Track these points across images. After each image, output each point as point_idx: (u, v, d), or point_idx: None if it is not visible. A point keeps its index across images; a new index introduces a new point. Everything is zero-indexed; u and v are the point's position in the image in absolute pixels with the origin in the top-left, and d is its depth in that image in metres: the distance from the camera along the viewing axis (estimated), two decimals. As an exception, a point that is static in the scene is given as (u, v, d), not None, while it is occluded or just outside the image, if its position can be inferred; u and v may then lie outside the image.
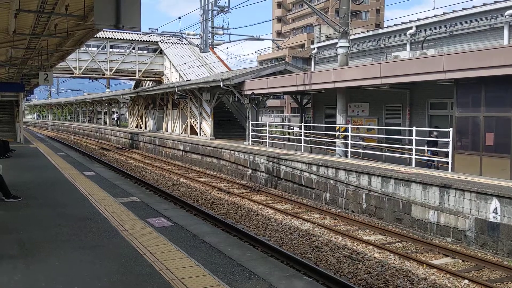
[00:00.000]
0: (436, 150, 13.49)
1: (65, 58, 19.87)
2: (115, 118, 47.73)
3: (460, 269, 8.01)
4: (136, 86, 40.91)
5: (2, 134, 21.32)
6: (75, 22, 10.55)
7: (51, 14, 9.05)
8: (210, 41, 21.43)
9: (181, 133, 28.70)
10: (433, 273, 7.68)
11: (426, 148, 13.56)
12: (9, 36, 11.35)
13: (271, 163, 16.02)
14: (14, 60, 16.36)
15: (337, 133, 16.28)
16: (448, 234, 9.54)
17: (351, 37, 17.82)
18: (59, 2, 8.31)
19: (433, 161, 13.39)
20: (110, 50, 32.68)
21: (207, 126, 24.99)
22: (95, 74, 32.81)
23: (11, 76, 22.86)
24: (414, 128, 13.00)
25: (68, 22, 10.14)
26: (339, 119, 16.26)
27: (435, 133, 13.54)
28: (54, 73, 25.10)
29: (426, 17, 17.15)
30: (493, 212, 8.72)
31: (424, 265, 8.04)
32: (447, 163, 12.07)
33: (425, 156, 13.72)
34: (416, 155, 12.90)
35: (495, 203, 8.71)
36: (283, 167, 15.28)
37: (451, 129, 11.99)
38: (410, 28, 17.49)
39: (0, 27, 10.68)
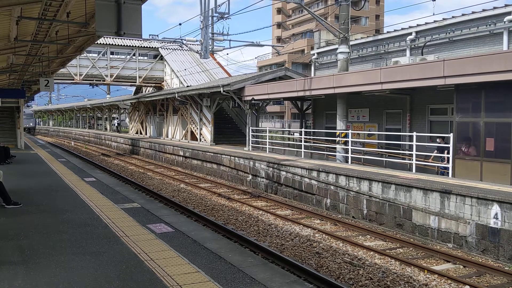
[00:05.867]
0: (444, 157, 13.39)
1: (66, 65, 19.92)
2: (116, 124, 47.80)
3: (461, 275, 8.00)
4: (136, 92, 41.01)
5: (2, 140, 21.33)
6: (76, 29, 10.59)
7: (53, 21, 9.08)
8: (210, 47, 21.49)
9: (181, 139, 28.73)
10: (434, 279, 7.66)
11: (433, 154, 13.48)
12: (11, 43, 11.39)
13: (271, 169, 16.01)
14: (15, 67, 16.39)
15: (338, 139, 16.30)
16: (449, 240, 9.53)
17: (351, 43, 17.87)
18: (61, 9, 8.33)
19: (445, 168, 13.19)
20: (111, 56, 32.78)
21: (207, 132, 25.02)
22: (96, 80, 32.88)
23: (12, 83, 22.89)
24: (414, 134, 13.02)
25: (69, 29, 10.18)
26: (340, 125, 16.28)
27: (438, 140, 13.49)
28: (55, 79, 25.16)
29: (426, 23, 17.20)
30: (494, 218, 8.71)
31: (425, 271, 8.03)
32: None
33: (426, 162, 13.70)
34: (416, 160, 12.89)
35: (495, 208, 8.70)
36: (284, 172, 15.27)
37: (451, 135, 12.01)
38: (410, 34, 17.53)
39: (2, 34, 10.72)
